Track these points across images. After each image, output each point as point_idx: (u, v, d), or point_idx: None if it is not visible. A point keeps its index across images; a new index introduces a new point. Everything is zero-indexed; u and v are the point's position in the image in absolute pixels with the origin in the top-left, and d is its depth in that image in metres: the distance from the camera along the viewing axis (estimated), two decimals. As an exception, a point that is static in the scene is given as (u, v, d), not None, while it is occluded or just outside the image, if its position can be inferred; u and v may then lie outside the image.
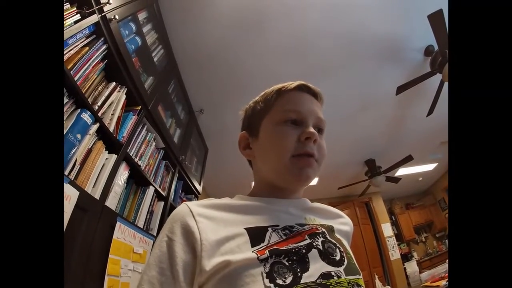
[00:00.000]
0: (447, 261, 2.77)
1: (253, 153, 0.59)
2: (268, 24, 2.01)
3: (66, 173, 0.88)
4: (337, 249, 0.48)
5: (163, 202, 1.73)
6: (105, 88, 1.15)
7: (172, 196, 1.93)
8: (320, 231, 0.50)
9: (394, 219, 6.17)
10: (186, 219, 0.45)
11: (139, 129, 1.44)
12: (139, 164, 1.42)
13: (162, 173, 1.80)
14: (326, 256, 0.45)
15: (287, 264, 0.41)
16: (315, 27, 2.09)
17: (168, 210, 1.78)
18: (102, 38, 1.08)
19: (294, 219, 0.52)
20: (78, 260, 0.87)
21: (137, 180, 1.48)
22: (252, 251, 0.42)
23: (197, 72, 2.30)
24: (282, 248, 0.43)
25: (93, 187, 1.03)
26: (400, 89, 2.55)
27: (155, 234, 1.52)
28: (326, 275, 0.42)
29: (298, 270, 0.41)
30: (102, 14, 1.04)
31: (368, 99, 2.99)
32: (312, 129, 0.52)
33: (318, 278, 0.40)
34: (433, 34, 1.96)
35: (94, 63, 1.05)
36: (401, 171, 4.66)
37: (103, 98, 1.11)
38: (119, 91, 1.22)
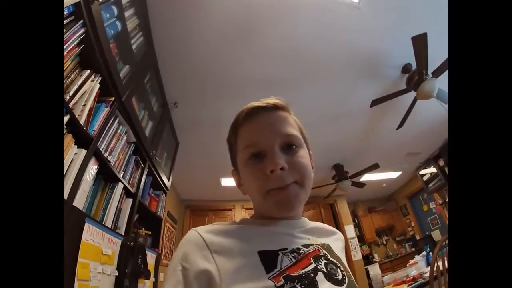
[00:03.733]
0: (407, 265, 2.98)
1: (245, 190, 0.59)
2: (253, 27, 2.04)
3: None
4: (338, 269, 0.51)
5: (131, 199, 1.66)
6: (79, 75, 1.08)
7: (141, 193, 1.86)
8: (322, 254, 0.53)
9: (357, 222, 6.52)
10: (200, 246, 0.46)
11: (110, 122, 1.36)
12: (109, 159, 1.35)
13: (131, 169, 1.73)
14: (331, 277, 0.48)
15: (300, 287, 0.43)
16: (298, 33, 2.15)
17: (137, 207, 1.72)
18: (81, 21, 1.01)
19: (299, 241, 0.54)
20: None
21: (106, 176, 1.41)
22: (268, 278, 0.43)
23: (175, 64, 2.24)
24: (294, 274, 0.45)
25: (59, 184, 0.97)
26: (375, 102, 2.72)
27: (123, 234, 1.47)
28: None
29: None
30: (83, -5, 0.98)
31: (343, 108, 3.14)
32: (275, 158, 0.50)
33: None
34: (414, 54, 2.11)
35: (70, 47, 0.98)
36: (367, 177, 4.93)
37: (76, 87, 1.04)
38: (92, 80, 1.15)
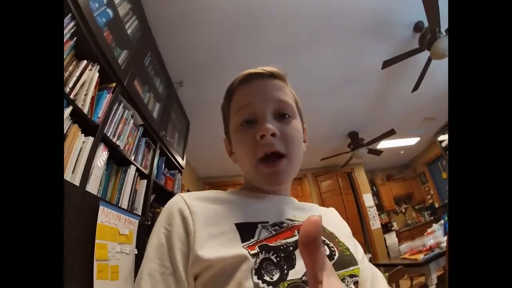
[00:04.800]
0: (425, 234, 2.96)
1: (236, 158, 0.58)
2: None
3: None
4: (325, 246, 0.48)
5: (146, 180, 1.75)
6: (76, 67, 1.10)
7: (155, 173, 1.95)
8: None
9: (375, 190, 6.50)
10: (182, 210, 0.47)
11: (115, 108, 1.40)
12: (118, 144, 1.41)
13: (143, 151, 1.80)
14: None
15: (275, 260, 0.42)
16: None
17: (152, 188, 1.81)
18: (70, 14, 1.02)
19: (284, 214, 0.53)
20: (65, 251, 0.89)
21: (117, 160, 1.48)
22: (243, 246, 0.43)
23: (175, 42, 2.21)
24: (271, 244, 0.44)
25: (72, 173, 1.03)
26: (386, 64, 2.59)
27: (139, 214, 1.56)
28: None
29: (285, 267, 0.41)
30: (68, -14, 0.98)
31: (353, 73, 3.02)
32: (266, 124, 0.49)
33: (303, 275, 0.41)
34: (424, 10, 1.96)
35: (64, 40, 1.00)
36: (383, 144, 4.84)
37: (75, 78, 1.07)
38: (90, 69, 1.17)
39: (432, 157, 5.86)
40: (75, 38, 1.07)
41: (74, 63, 1.09)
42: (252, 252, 0.41)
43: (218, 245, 0.43)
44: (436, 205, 5.90)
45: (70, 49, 1.06)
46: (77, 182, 1.01)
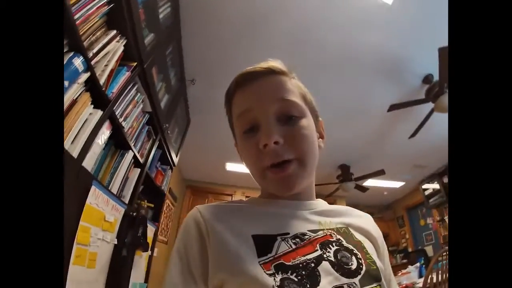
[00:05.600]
0: (399, 274, 2.95)
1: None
2: (276, 13, 1.95)
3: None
4: (354, 257, 0.43)
5: (139, 169, 1.63)
6: (104, 34, 1.02)
7: (149, 165, 1.83)
8: (334, 239, 0.46)
9: (352, 225, 6.47)
10: (200, 227, 0.45)
11: (129, 87, 1.31)
12: (123, 125, 1.31)
13: (143, 139, 1.69)
14: (340, 267, 0.41)
15: (296, 280, 0.38)
16: (325, 24, 2.06)
17: (144, 178, 1.69)
18: (114, -22, 0.95)
19: (307, 224, 0.47)
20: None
21: (117, 142, 1.36)
22: (259, 262, 0.39)
23: (198, 40, 2.16)
24: (288, 263, 0.40)
25: (71, 143, 0.92)
26: (393, 108, 2.64)
27: (127, 202, 1.44)
28: None
29: (308, 285, 0.37)
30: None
31: (357, 107, 3.04)
32: (268, 131, 0.44)
33: None
34: (438, 66, 2.03)
35: (99, 4, 0.92)
36: (370, 182, 4.85)
37: (100, 45, 0.99)
38: (118, 41, 1.09)
39: (413, 203, 5.89)
40: (111, 5, 0.99)
41: (103, 29, 1.01)
42: (268, 272, 0.38)
43: (233, 259, 0.40)
44: (409, 250, 5.89)
45: (102, 14, 0.98)
46: (75, 154, 0.90)
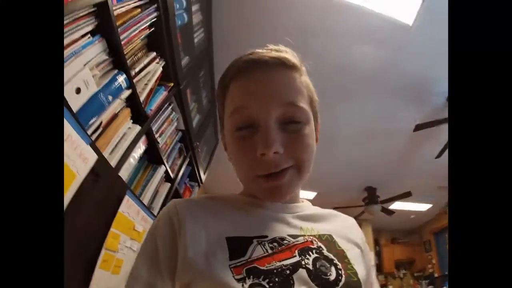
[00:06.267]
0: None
1: (231, 160, 0.45)
2: (308, 35, 1.96)
3: (89, 133, 0.79)
4: (333, 267, 0.38)
5: (169, 184, 1.64)
6: (145, 55, 1.07)
7: (179, 180, 1.84)
8: (315, 246, 0.40)
9: (378, 250, 6.05)
10: (173, 220, 0.41)
11: (165, 106, 1.35)
12: (158, 141, 1.33)
13: (174, 155, 1.72)
14: (317, 276, 0.36)
15: (267, 286, 0.33)
16: (347, 48, 2.06)
17: (173, 193, 1.69)
18: (155, 5, 1.00)
19: (287, 229, 0.42)
20: (80, 227, 0.77)
21: (151, 157, 1.38)
22: (229, 265, 0.35)
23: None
24: (261, 267, 0.35)
25: (110, 153, 0.94)
26: (419, 127, 2.52)
27: (156, 214, 1.43)
28: None
29: None
30: (160, -20, 0.96)
31: (382, 127, 2.93)
32: (269, 137, 0.36)
33: None
34: None
35: (142, 27, 0.96)
36: (397, 205, 4.55)
37: (141, 65, 1.03)
38: (157, 63, 1.14)
39: (440, 226, 5.44)
40: (152, 28, 1.04)
41: (143, 51, 1.06)
42: (237, 277, 0.34)
43: (202, 259, 0.36)
44: (436, 275, 5.37)
45: (144, 37, 1.03)
46: (113, 163, 0.92)
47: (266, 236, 0.39)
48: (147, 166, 1.39)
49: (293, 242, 0.40)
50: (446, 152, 2.81)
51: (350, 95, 2.50)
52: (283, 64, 0.40)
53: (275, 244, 0.39)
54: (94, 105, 0.81)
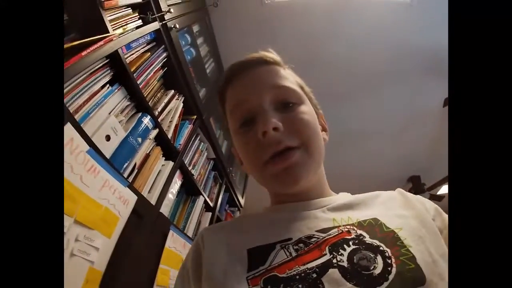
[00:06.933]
0: None
1: (246, 167, 0.44)
2: (326, 40, 1.93)
3: (125, 175, 0.78)
4: (379, 256, 0.30)
5: (210, 213, 1.60)
6: (164, 95, 1.08)
7: (218, 208, 1.80)
8: (353, 236, 0.33)
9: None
10: (198, 242, 0.40)
11: (193, 138, 1.36)
12: (192, 173, 1.32)
13: (210, 184, 1.70)
14: (355, 273, 0.29)
15: None
16: (358, 40, 1.98)
17: (216, 221, 1.65)
18: (163, 46, 1.03)
19: (316, 224, 0.36)
20: (130, 267, 0.75)
21: (188, 189, 1.37)
22: (247, 277, 0.31)
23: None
24: (281, 275, 0.30)
25: (148, 192, 0.93)
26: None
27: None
28: None
29: None
30: (163, 22, 0.99)
31: (413, 114, 2.72)
32: (266, 117, 0.36)
33: None
34: None
35: (155, 69, 0.99)
36: (445, 188, 4.09)
37: (163, 105, 1.04)
38: (177, 99, 1.15)
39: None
40: (165, 68, 1.06)
41: (162, 90, 1.08)
42: None
43: (221, 273, 0.33)
44: None
45: (160, 77, 1.05)
46: (153, 202, 0.90)
47: (291, 239, 0.35)
48: (186, 199, 1.37)
49: (324, 238, 0.34)
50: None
51: (373, 90, 2.38)
52: (265, 62, 0.43)
53: (301, 245, 0.34)
54: (126, 148, 0.81)
